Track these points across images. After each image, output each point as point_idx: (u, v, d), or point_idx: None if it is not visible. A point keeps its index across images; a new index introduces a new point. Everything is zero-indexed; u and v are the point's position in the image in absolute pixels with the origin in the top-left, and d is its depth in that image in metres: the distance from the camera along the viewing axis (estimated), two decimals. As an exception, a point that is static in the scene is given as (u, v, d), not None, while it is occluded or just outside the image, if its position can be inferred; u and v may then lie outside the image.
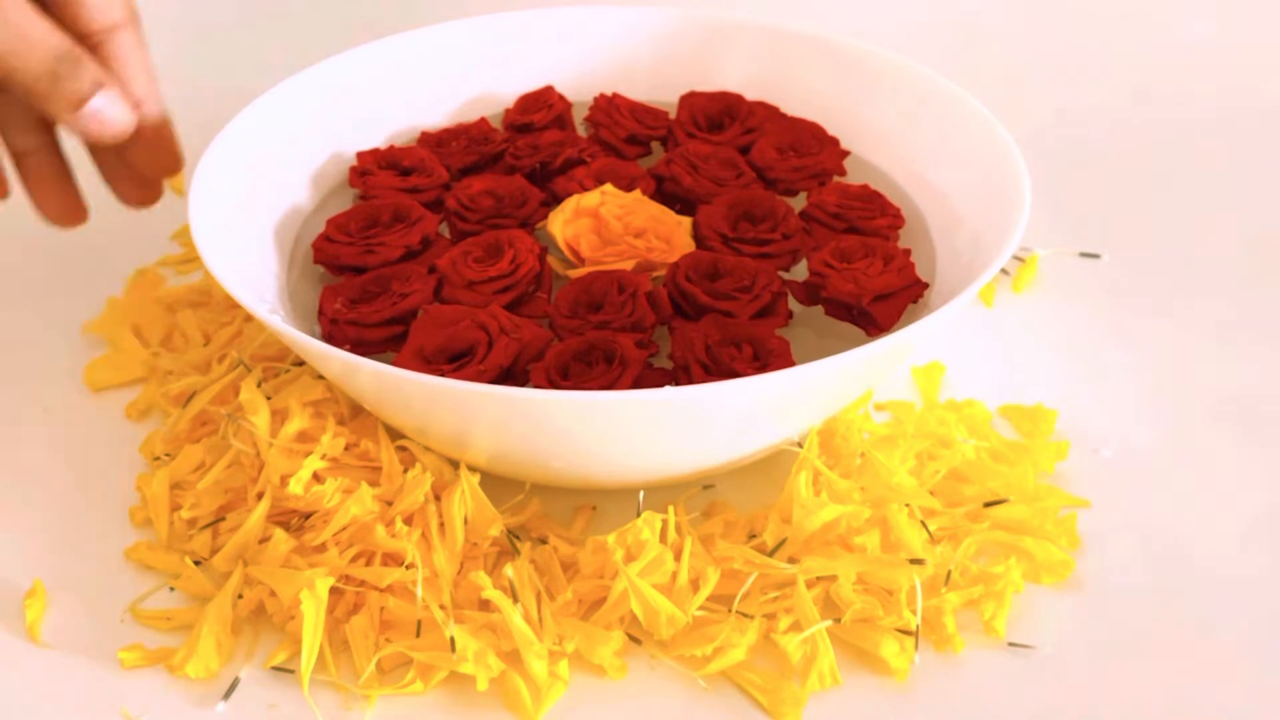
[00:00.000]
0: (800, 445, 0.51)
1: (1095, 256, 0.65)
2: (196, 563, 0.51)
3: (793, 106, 0.67)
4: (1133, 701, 0.47)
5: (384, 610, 0.49)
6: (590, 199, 0.59)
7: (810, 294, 0.56)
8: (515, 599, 0.48)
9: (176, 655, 0.48)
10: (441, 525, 0.50)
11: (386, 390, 0.49)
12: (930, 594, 0.49)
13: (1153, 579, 0.51)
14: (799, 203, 0.61)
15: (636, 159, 0.65)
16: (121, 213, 0.72)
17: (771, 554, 0.49)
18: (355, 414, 0.54)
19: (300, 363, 0.58)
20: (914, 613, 0.49)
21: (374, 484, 0.51)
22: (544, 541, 0.51)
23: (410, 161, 0.63)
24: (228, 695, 0.47)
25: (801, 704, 0.46)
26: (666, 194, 0.62)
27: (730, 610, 0.48)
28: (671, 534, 0.49)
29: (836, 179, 0.63)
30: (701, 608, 0.49)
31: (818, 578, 0.49)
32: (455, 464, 0.51)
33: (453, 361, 0.51)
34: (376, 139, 0.66)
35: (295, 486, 0.50)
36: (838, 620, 0.48)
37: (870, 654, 0.48)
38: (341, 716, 0.47)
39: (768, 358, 0.51)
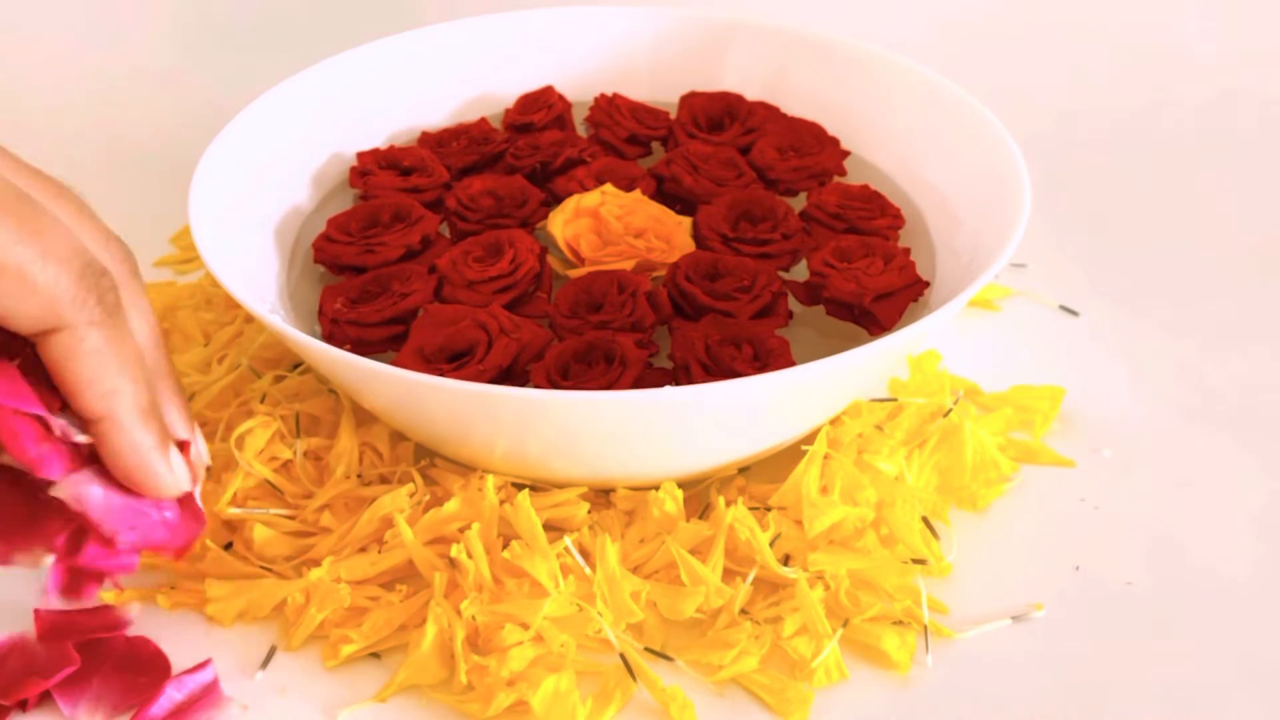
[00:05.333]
0: (808, 444, 0.51)
1: (1074, 313, 0.65)
2: (227, 546, 0.51)
3: (793, 107, 0.67)
4: (1133, 699, 0.47)
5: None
6: (590, 199, 0.59)
7: (811, 294, 0.56)
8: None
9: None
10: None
11: (386, 390, 0.49)
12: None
13: (1153, 579, 0.51)
14: (799, 203, 0.61)
15: (637, 159, 0.65)
16: (120, 215, 0.72)
17: (772, 543, 0.49)
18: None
19: (300, 364, 0.58)
20: (917, 604, 0.49)
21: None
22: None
23: (410, 161, 0.63)
24: (265, 664, 0.48)
25: (808, 703, 0.46)
26: (667, 194, 0.62)
27: (736, 611, 0.48)
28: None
29: (837, 179, 0.63)
30: (710, 613, 0.49)
31: (818, 575, 0.49)
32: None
33: (452, 361, 0.51)
34: (377, 139, 0.67)
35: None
36: (846, 623, 0.48)
37: (873, 647, 0.48)
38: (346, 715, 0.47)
39: (768, 358, 0.51)
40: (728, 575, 0.50)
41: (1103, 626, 0.49)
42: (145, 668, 0.47)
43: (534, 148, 0.63)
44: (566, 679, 0.46)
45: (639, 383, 0.50)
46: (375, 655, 0.48)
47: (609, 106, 0.66)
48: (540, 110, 0.66)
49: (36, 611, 0.49)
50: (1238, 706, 0.47)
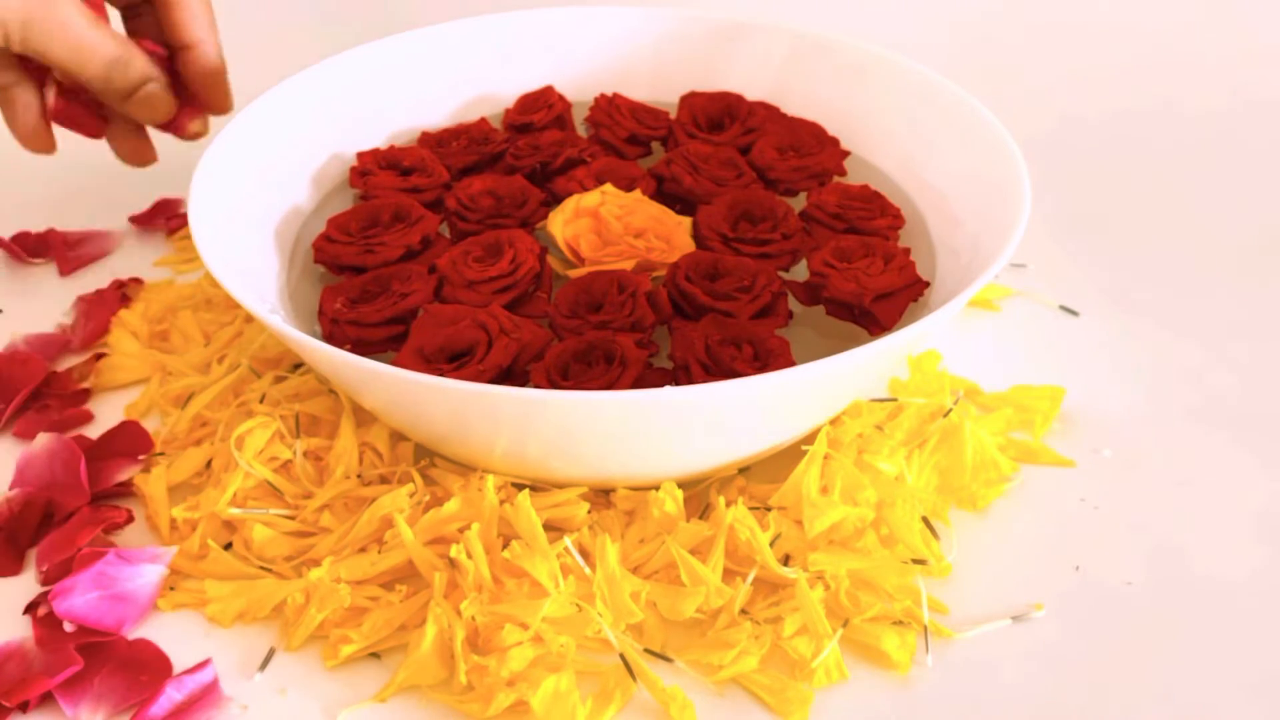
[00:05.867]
0: (809, 444, 0.51)
1: (1074, 313, 0.65)
2: (227, 546, 0.51)
3: (793, 107, 0.67)
4: (1134, 699, 0.47)
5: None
6: (590, 199, 0.59)
7: (811, 294, 0.56)
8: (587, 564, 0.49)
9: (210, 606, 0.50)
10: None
11: (386, 390, 0.49)
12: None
13: (1153, 579, 0.51)
14: (799, 203, 0.61)
15: (637, 159, 0.65)
16: (120, 214, 0.72)
17: (772, 543, 0.49)
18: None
19: (300, 364, 0.58)
20: (917, 604, 0.49)
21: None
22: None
23: (410, 161, 0.63)
24: (264, 666, 0.48)
25: (808, 703, 0.46)
26: (667, 194, 0.62)
27: (736, 611, 0.48)
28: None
29: (836, 179, 0.63)
30: (710, 613, 0.49)
31: (818, 575, 0.49)
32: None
33: (452, 361, 0.51)
34: (377, 139, 0.66)
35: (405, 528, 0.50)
36: (846, 623, 0.48)
37: (873, 647, 0.48)
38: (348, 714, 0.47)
39: (768, 358, 0.51)
40: (728, 575, 0.50)
41: (1103, 626, 0.49)
42: (146, 668, 0.47)
43: (534, 148, 0.63)
44: (566, 679, 0.46)
45: (639, 383, 0.50)
46: (375, 655, 0.48)
47: (609, 106, 0.66)
48: (540, 110, 0.66)
49: (34, 616, 0.49)
50: (1237, 706, 0.47)
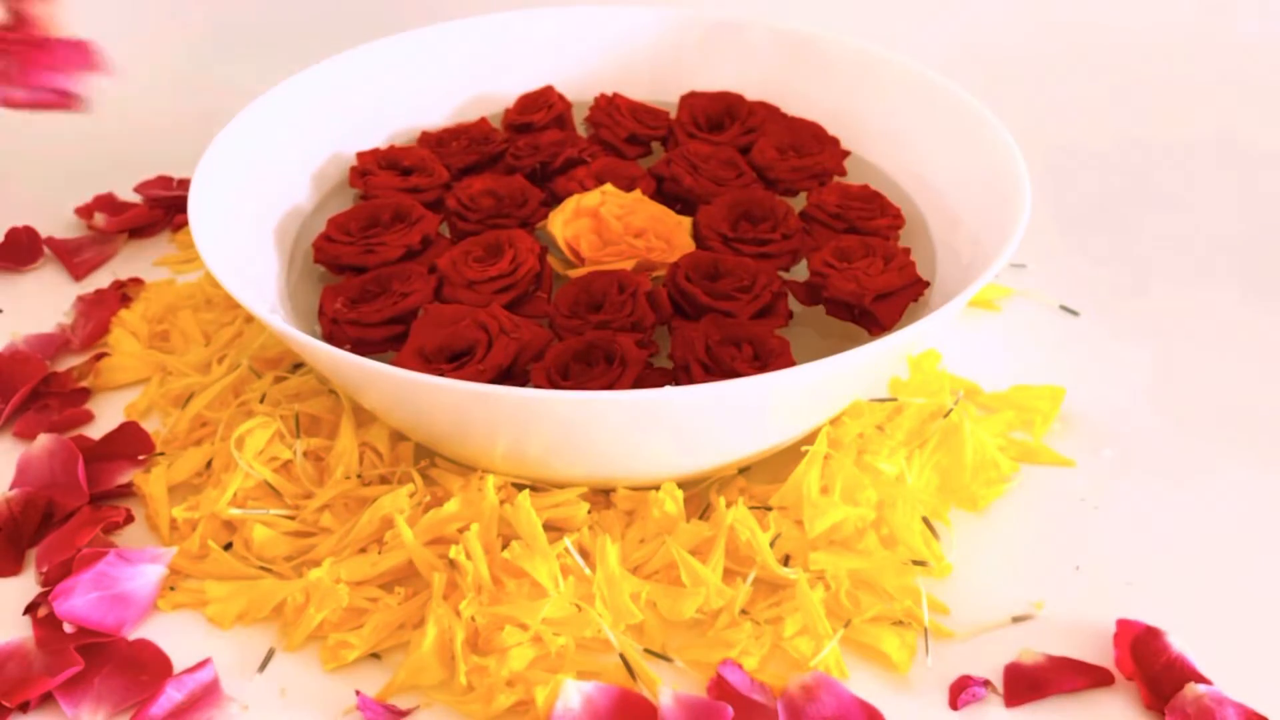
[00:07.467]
0: (809, 444, 0.51)
1: (1074, 313, 0.65)
2: (227, 546, 0.51)
3: (793, 107, 0.67)
4: (1134, 698, 0.47)
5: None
6: (590, 199, 0.59)
7: (811, 294, 0.56)
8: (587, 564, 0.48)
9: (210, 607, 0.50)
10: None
11: (386, 390, 0.49)
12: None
13: (1153, 578, 0.51)
14: (799, 203, 0.61)
15: (637, 159, 0.65)
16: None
17: (772, 544, 0.49)
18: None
19: (300, 364, 0.58)
20: (917, 605, 0.49)
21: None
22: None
23: (411, 161, 0.63)
24: (263, 667, 0.48)
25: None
26: (667, 194, 0.62)
27: (736, 611, 0.48)
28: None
29: (837, 179, 0.63)
30: (711, 613, 0.49)
31: (819, 575, 0.49)
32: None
33: (452, 361, 0.51)
34: (377, 139, 0.66)
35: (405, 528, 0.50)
36: (847, 623, 0.48)
37: (873, 648, 0.48)
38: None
39: (768, 358, 0.51)
40: (728, 576, 0.50)
41: (1103, 627, 0.49)
42: (146, 668, 0.47)
43: (534, 148, 0.63)
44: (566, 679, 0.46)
45: (639, 383, 0.50)
46: (375, 655, 0.48)
47: (609, 106, 0.66)
48: (540, 110, 0.66)
49: (34, 617, 0.49)
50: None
